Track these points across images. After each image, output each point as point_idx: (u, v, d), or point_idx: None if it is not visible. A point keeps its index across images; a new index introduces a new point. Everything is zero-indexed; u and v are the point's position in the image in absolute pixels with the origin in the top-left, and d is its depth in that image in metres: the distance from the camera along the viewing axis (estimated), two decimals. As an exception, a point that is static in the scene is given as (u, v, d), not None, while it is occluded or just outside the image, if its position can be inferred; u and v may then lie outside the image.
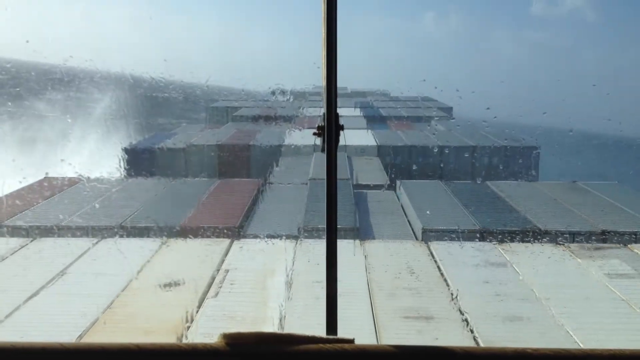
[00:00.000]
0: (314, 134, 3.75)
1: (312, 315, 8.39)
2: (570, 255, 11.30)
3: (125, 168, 21.32)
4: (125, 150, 21.74)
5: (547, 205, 15.15)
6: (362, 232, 13.44)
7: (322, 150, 3.66)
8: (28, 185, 15.80)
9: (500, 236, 12.76)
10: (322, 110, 3.85)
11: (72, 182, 16.54)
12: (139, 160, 21.34)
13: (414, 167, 22.49)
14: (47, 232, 12.86)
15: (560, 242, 12.31)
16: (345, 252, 11.28)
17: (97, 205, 14.57)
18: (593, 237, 13.01)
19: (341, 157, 21.34)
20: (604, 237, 12.98)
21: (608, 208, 14.94)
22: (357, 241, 12.00)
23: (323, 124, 3.63)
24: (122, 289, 9.47)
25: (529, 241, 12.62)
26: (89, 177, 17.20)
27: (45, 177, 16.74)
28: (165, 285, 9.67)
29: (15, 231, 12.80)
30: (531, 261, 10.99)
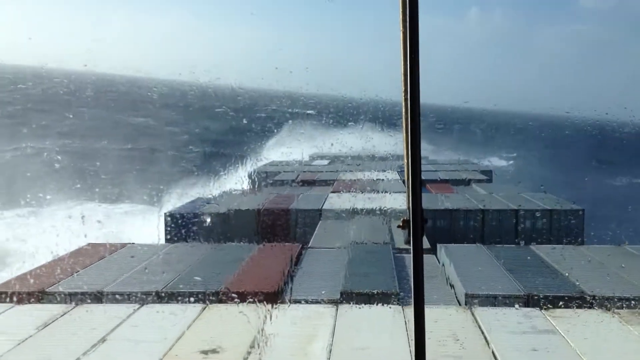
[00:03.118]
0: (398, 226, 3.85)
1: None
2: (620, 322, 10.90)
3: (166, 233, 21.59)
4: (167, 215, 22.04)
5: (594, 270, 14.73)
6: (403, 298, 13.21)
7: (406, 242, 3.75)
8: (71, 251, 16.07)
9: (546, 302, 12.41)
10: (405, 203, 3.92)
11: (114, 248, 16.77)
12: (180, 225, 21.60)
13: (455, 231, 22.24)
14: (89, 298, 12.98)
15: (610, 308, 11.91)
16: (385, 318, 11.09)
17: (138, 271, 14.70)
18: None
19: (380, 221, 21.28)
20: (655, 303, 12.51)
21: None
22: (399, 307, 11.78)
23: (408, 217, 3.72)
24: (162, 356, 9.43)
25: (576, 307, 12.24)
26: (131, 243, 17.45)
27: (88, 244, 17.03)
28: (205, 352, 9.60)
29: (58, 298, 12.95)
30: (580, 328, 10.62)
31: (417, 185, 3.65)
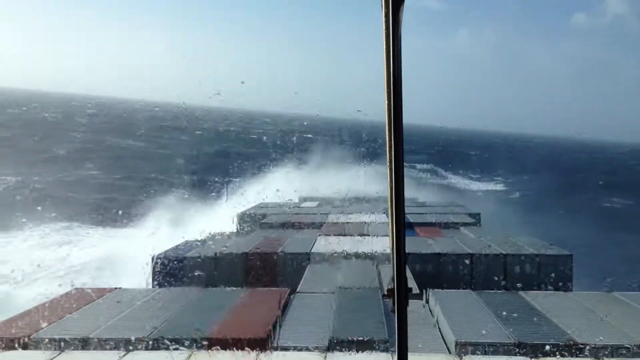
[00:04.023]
0: (383, 295, 3.82)
1: None
2: None
3: (154, 276, 21.38)
4: (155, 259, 21.85)
5: (584, 317, 14.69)
6: (393, 345, 13.08)
7: (392, 312, 3.71)
8: (57, 296, 15.88)
9: (537, 349, 12.35)
10: (390, 274, 3.89)
11: (102, 292, 16.58)
12: (168, 269, 21.40)
13: (444, 276, 22.16)
14: (75, 345, 12.77)
15: (599, 356, 11.87)
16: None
17: (125, 317, 14.50)
18: (633, 351, 12.51)
19: (368, 265, 21.20)
20: (645, 351, 12.47)
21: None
22: (387, 354, 11.68)
23: (392, 286, 3.66)
24: (148, 406, 9.28)
25: (566, 355, 12.19)
26: (118, 288, 17.27)
27: (74, 288, 16.85)
28: (192, 402, 9.46)
29: (43, 344, 12.73)
30: None
31: (401, 255, 3.61)
